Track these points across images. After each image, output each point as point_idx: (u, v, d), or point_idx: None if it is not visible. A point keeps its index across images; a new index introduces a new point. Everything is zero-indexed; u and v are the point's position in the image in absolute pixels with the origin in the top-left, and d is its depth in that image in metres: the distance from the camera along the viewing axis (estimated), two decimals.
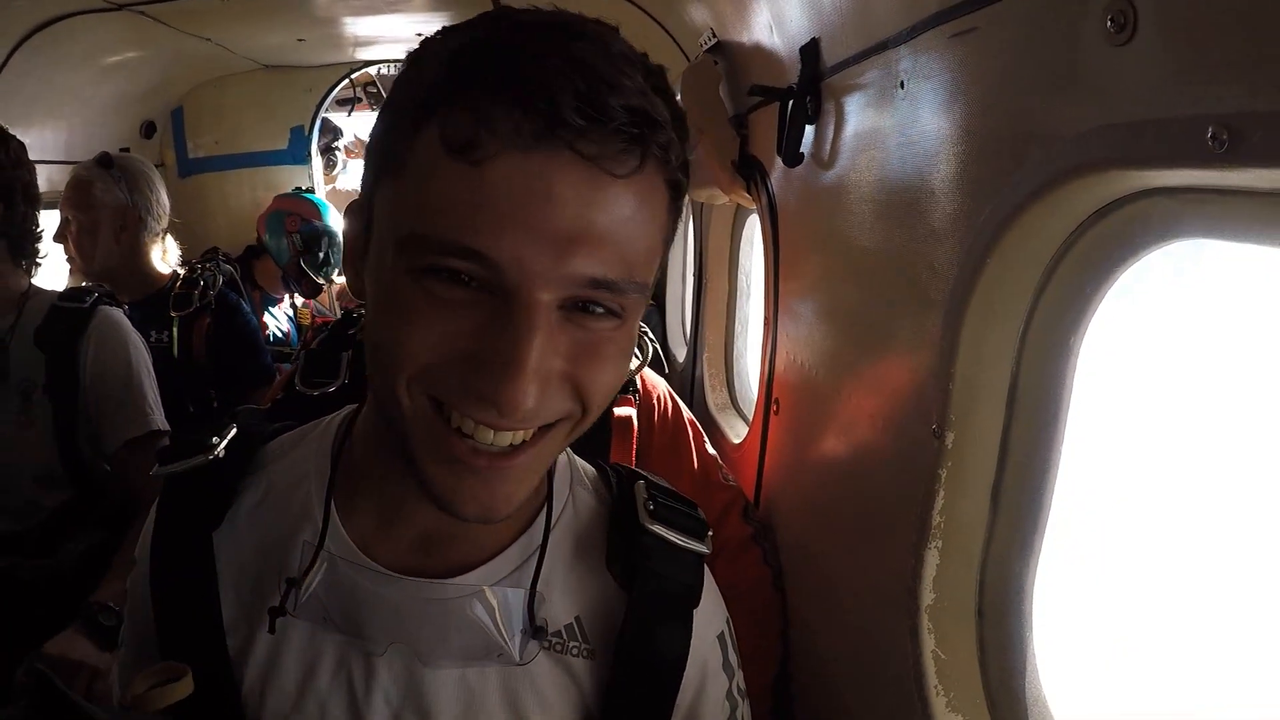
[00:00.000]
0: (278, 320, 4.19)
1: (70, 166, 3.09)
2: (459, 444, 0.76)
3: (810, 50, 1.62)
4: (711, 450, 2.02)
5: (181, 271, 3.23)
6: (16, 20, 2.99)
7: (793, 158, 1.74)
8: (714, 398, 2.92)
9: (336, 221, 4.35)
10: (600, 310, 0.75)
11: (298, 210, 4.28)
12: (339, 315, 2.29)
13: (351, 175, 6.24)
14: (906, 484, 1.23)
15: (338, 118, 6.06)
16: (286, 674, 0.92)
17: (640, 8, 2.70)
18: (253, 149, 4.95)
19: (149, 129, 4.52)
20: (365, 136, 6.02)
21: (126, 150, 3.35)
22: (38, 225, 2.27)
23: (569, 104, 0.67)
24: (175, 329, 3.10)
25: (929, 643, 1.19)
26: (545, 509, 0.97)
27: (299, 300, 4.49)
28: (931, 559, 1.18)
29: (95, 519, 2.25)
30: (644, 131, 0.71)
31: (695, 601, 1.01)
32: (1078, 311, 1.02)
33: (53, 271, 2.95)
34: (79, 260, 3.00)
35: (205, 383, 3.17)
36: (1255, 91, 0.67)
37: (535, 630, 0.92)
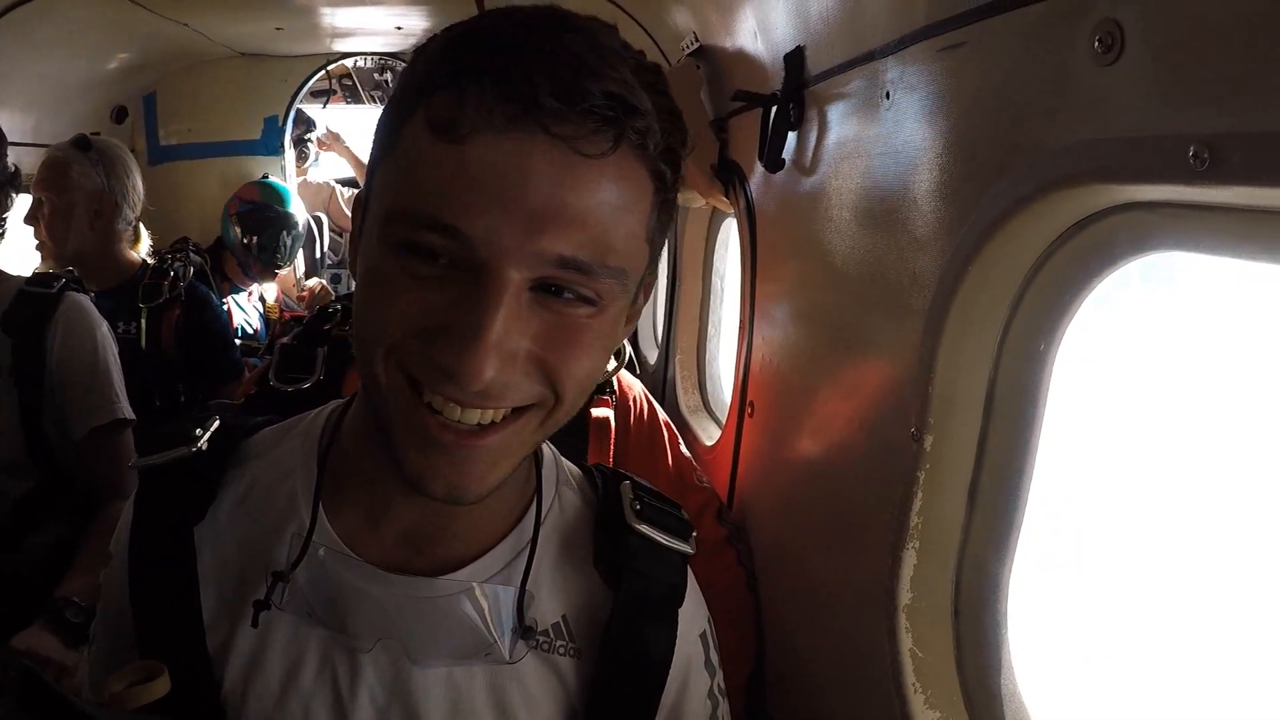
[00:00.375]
0: (247, 314, 4.15)
1: (39, 149, 3.03)
2: (430, 420, 0.77)
3: (795, 58, 1.64)
4: (686, 452, 2.04)
5: (151, 261, 3.19)
6: None
7: (774, 164, 1.76)
8: (686, 400, 2.94)
9: (299, 210, 4.31)
10: (572, 295, 0.76)
11: (240, 194, 4.25)
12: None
13: (323, 167, 6.18)
14: (884, 486, 1.26)
15: (312, 109, 6.01)
16: (270, 672, 0.91)
17: (622, 9, 2.71)
18: (225, 138, 4.87)
19: (120, 114, 4.43)
20: (337, 129, 5.99)
21: (97, 135, 3.29)
22: (5, 209, 2.24)
23: (545, 87, 0.69)
24: (144, 320, 3.05)
25: (906, 641, 1.22)
26: (534, 507, 0.98)
27: (268, 295, 4.44)
28: (909, 559, 1.21)
29: (61, 510, 2.21)
30: (619, 115, 0.72)
31: (680, 601, 1.02)
32: (1055, 319, 1.06)
33: (19, 255, 2.91)
34: (50, 244, 2.93)
35: (173, 376, 3.13)
36: (1236, 113, 0.71)
37: (525, 630, 0.92)
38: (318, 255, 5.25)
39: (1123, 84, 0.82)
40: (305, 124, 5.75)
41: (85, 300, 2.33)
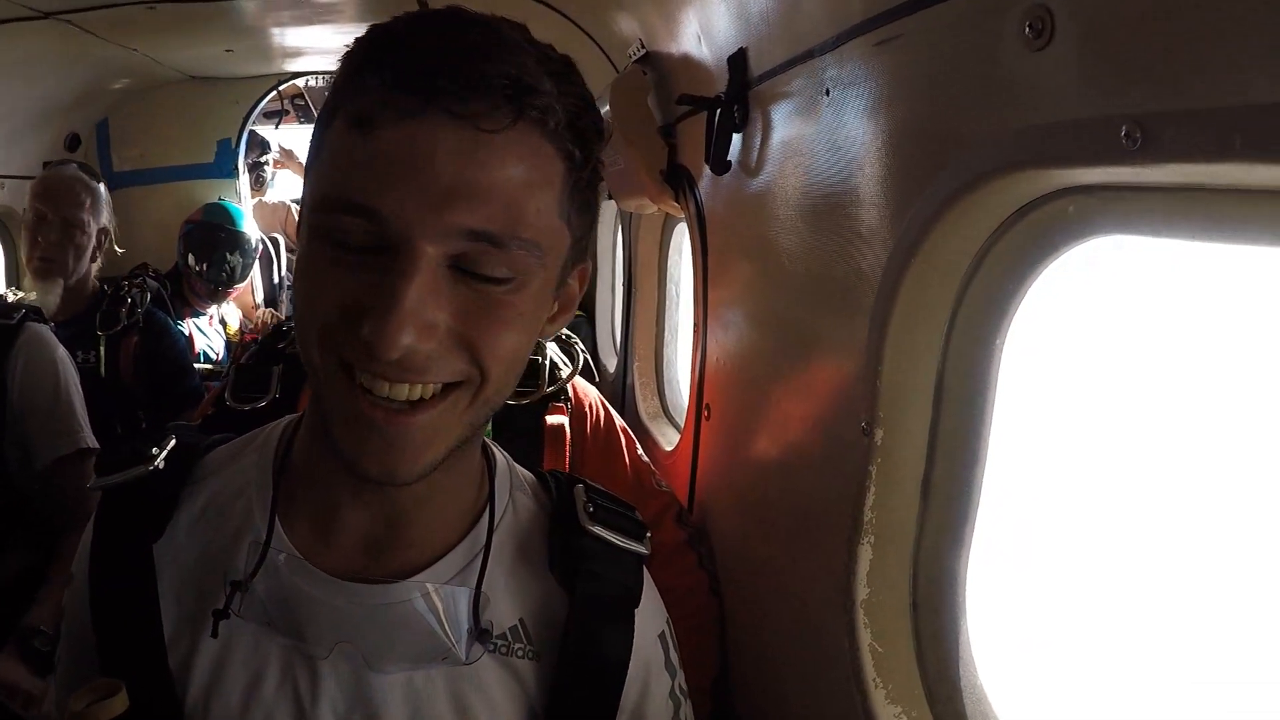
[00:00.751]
0: (209, 339, 4.09)
1: None
2: (361, 399, 0.79)
3: (738, 59, 1.64)
4: (644, 457, 2.04)
5: (107, 290, 3.18)
6: None
7: (720, 166, 1.76)
8: (645, 406, 2.93)
9: (251, 229, 4.26)
10: (488, 272, 0.78)
11: (190, 216, 4.21)
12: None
13: (278, 188, 6.13)
14: (838, 482, 1.26)
15: (265, 130, 5.97)
16: (231, 684, 0.91)
17: (569, 19, 2.71)
18: (179, 162, 4.85)
19: (74, 141, 4.40)
20: (290, 147, 5.95)
21: (50, 164, 3.28)
22: None
23: (444, 73, 0.74)
24: (102, 348, 3.05)
25: (865, 637, 1.21)
26: (487, 513, 0.99)
27: (229, 318, 4.38)
28: (865, 554, 1.21)
29: (22, 540, 2.19)
30: (516, 93, 0.75)
31: (636, 602, 1.03)
32: (1001, 308, 1.06)
33: None
34: (58, 266, 2.94)
35: (133, 403, 3.12)
36: (1166, 92, 0.71)
37: (480, 632, 0.92)
38: (276, 278, 5.18)
39: (1054, 68, 0.82)
40: (260, 147, 5.70)
41: (46, 331, 2.34)
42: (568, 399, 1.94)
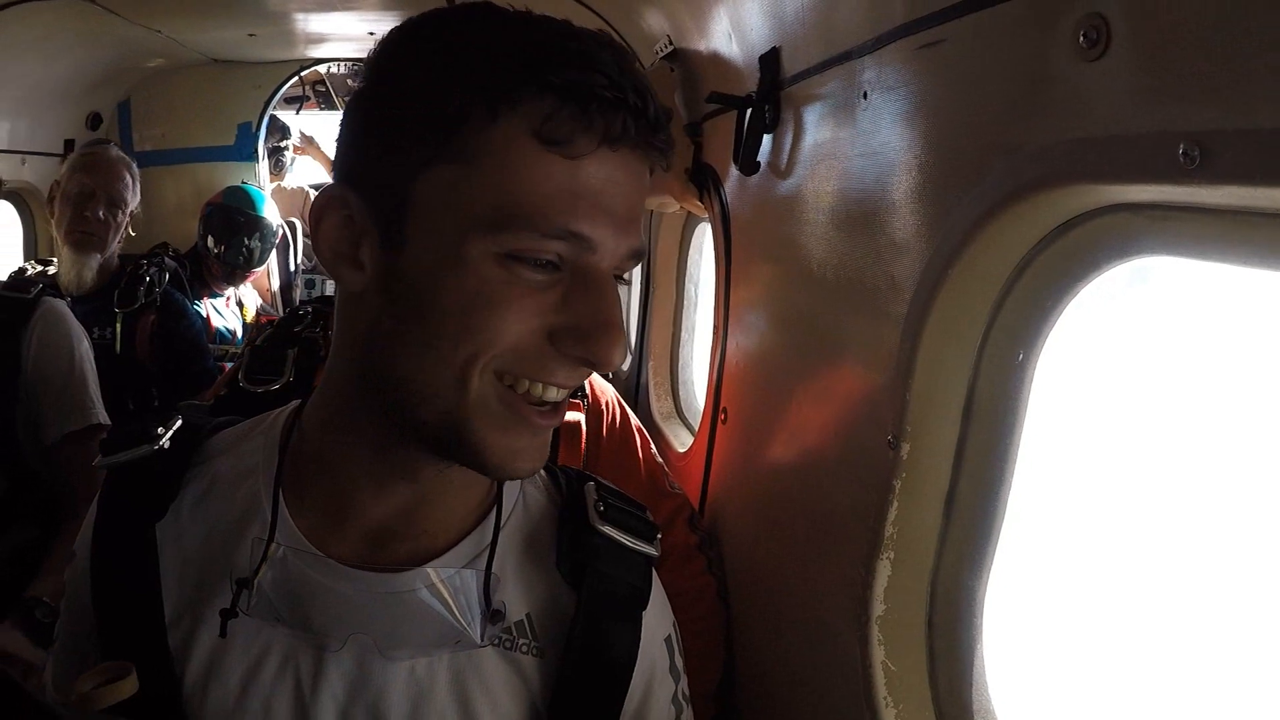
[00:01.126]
0: (224, 318, 4.09)
1: (13, 156, 3.09)
2: (530, 410, 0.84)
3: (770, 59, 1.62)
4: (658, 457, 2.02)
5: (127, 268, 3.21)
6: None
7: (749, 166, 1.74)
8: (659, 406, 2.91)
9: (272, 214, 4.24)
10: (622, 277, 0.88)
11: (210, 199, 4.19)
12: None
13: (297, 173, 6.12)
14: (859, 494, 1.24)
15: (286, 115, 5.97)
16: (230, 668, 0.92)
17: (596, 12, 2.69)
18: (199, 144, 4.85)
19: (95, 120, 4.40)
20: (310, 133, 5.94)
21: (72, 142, 3.31)
22: None
23: (637, 109, 0.79)
24: (119, 325, 3.08)
25: (879, 654, 1.19)
26: (496, 506, 0.99)
27: (247, 300, 4.37)
28: (883, 570, 1.18)
29: (28, 513, 2.20)
30: (669, 132, 0.84)
31: (643, 603, 1.03)
32: (1037, 326, 1.03)
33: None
34: (98, 240, 3.00)
35: (147, 381, 3.14)
36: (1227, 110, 0.68)
37: (493, 614, 0.92)
38: (293, 264, 5.18)
39: (1108, 80, 0.80)
40: (280, 132, 5.70)
41: (63, 306, 2.34)
42: (584, 396, 1.93)
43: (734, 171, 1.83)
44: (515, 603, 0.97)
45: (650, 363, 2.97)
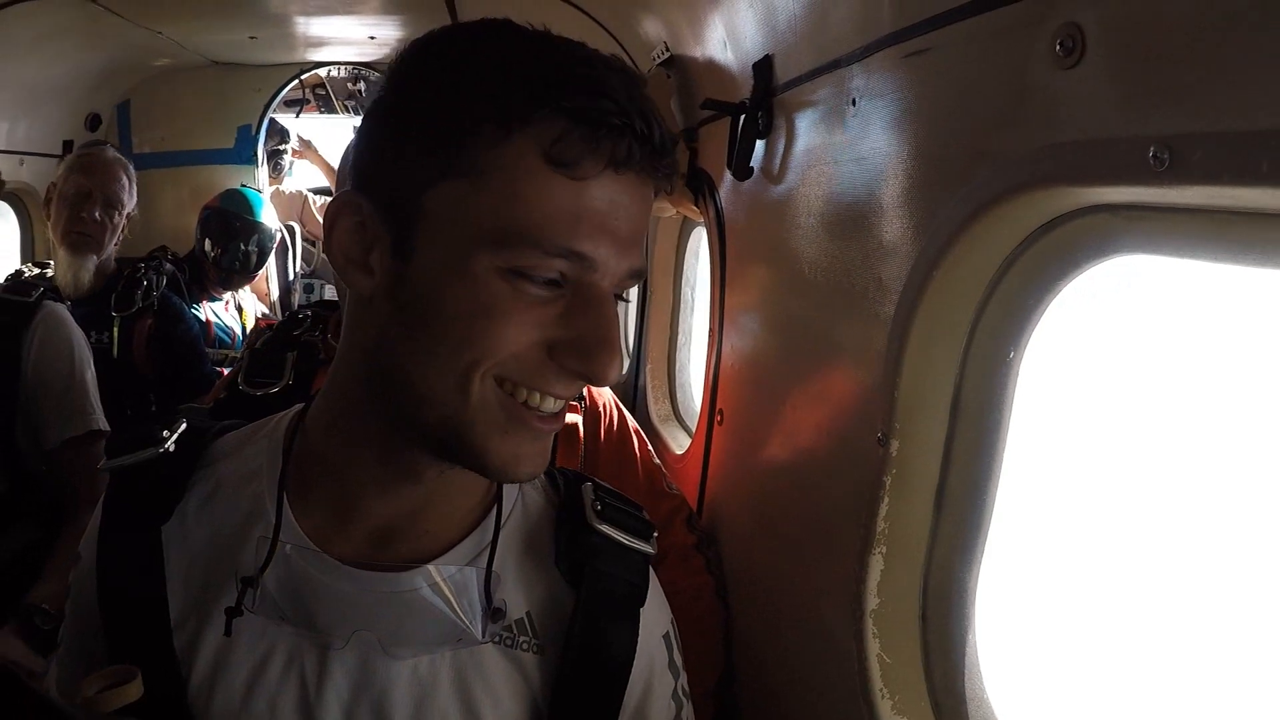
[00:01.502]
0: (222, 321, 4.09)
1: (11, 156, 3.06)
2: (529, 415, 0.86)
3: (763, 66, 1.65)
4: (656, 459, 2.04)
5: (124, 271, 3.19)
6: None
7: (743, 172, 1.76)
8: (657, 409, 2.93)
9: (270, 218, 4.24)
10: (622, 295, 0.89)
11: (208, 202, 4.16)
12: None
13: (296, 177, 6.13)
14: (851, 492, 1.26)
15: (285, 119, 5.97)
16: (236, 669, 0.92)
17: (594, 19, 2.71)
18: (199, 146, 4.84)
19: (94, 121, 4.39)
20: (309, 137, 5.95)
21: (71, 143, 3.29)
22: None
23: (643, 135, 0.81)
24: (116, 330, 3.05)
25: (874, 647, 1.21)
26: (496, 506, 1.00)
27: (245, 304, 4.38)
28: (876, 564, 1.21)
29: (29, 514, 2.20)
30: (675, 156, 0.86)
31: (642, 601, 1.04)
32: (1020, 324, 1.06)
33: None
34: (94, 241, 2.98)
35: (144, 386, 3.12)
36: (1196, 113, 0.71)
37: (494, 612, 0.94)
38: (292, 271, 5.18)
39: (1083, 86, 0.83)
40: (279, 135, 5.71)
41: (64, 310, 2.33)
42: (582, 399, 1.95)
43: (728, 177, 1.86)
44: (515, 601, 0.98)
45: (648, 366, 2.98)
